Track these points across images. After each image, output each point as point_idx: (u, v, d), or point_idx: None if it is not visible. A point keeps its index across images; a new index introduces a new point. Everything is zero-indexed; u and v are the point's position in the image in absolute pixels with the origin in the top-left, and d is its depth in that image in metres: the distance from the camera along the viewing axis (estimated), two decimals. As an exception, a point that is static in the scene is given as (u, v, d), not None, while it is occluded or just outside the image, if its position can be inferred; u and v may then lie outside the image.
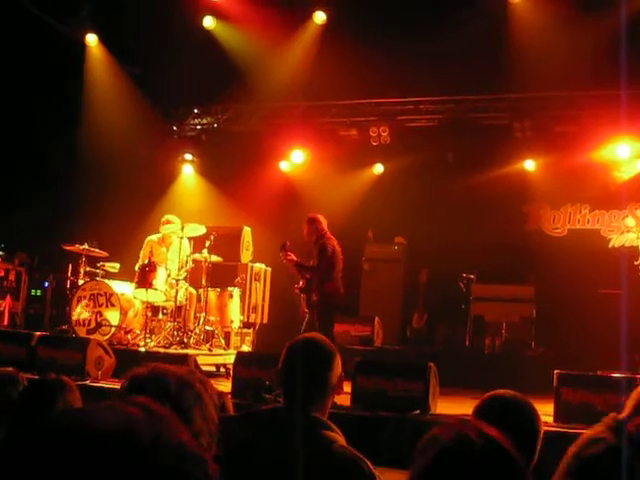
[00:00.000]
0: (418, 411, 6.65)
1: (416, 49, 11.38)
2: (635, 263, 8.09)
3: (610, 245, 12.59)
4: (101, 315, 9.94)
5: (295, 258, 9.44)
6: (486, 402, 2.83)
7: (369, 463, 2.53)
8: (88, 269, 10.48)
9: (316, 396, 2.72)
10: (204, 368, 9.51)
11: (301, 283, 9.43)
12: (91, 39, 12.81)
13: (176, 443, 0.95)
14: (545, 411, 6.68)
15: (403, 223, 13.15)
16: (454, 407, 7.29)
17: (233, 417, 2.95)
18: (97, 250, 10.53)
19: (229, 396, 3.76)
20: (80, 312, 10.02)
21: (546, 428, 6.10)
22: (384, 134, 12.94)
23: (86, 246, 10.31)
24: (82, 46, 12.78)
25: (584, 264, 11.45)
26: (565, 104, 12.01)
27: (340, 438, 2.61)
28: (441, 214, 12.48)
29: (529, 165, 12.78)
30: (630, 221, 8.68)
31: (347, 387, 7.25)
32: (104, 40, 12.86)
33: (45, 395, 3.05)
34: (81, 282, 10.29)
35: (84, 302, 10.04)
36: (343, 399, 7.06)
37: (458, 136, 12.61)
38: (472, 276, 11.95)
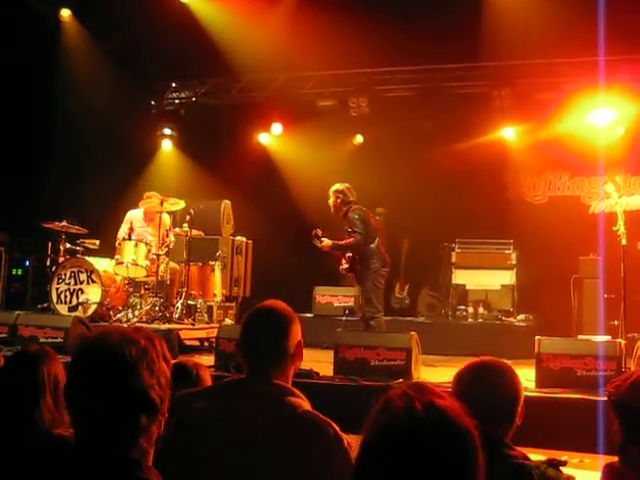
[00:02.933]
0: (401, 380, 6.67)
1: (394, 18, 11.30)
2: (614, 229, 8.13)
3: (590, 211, 12.66)
4: (82, 292, 9.89)
5: (329, 243, 8.96)
6: (467, 369, 2.84)
7: (335, 426, 2.54)
8: (68, 246, 10.41)
9: (275, 364, 2.73)
10: (187, 342, 9.54)
11: (344, 263, 9.00)
12: (65, 14, 12.61)
13: None
14: (527, 377, 6.75)
15: (384, 193, 13.13)
16: (437, 375, 7.34)
17: (199, 391, 2.97)
18: (77, 227, 10.46)
19: (207, 368, 3.76)
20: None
21: (528, 393, 6.18)
22: (363, 105, 12.91)
23: (65, 223, 10.23)
24: (56, 21, 12.58)
25: (564, 231, 11.51)
26: (544, 71, 11.99)
27: (305, 403, 2.62)
28: (421, 184, 12.49)
29: (508, 133, 12.82)
30: (609, 187, 8.69)
31: (329, 357, 7.29)
32: (78, 14, 12.67)
33: (28, 364, 3.09)
34: (61, 259, 10.23)
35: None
36: (326, 369, 7.10)
37: (437, 105, 12.59)
38: (453, 245, 11.99)
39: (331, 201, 9.09)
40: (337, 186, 9.13)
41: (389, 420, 1.49)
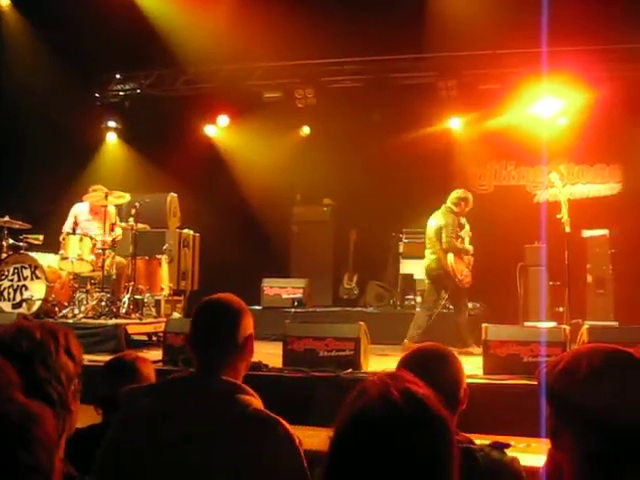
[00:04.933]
0: (350, 370, 6.68)
1: (340, 8, 11.29)
2: (557, 217, 8.26)
3: (535, 200, 12.83)
4: (26, 288, 9.70)
5: None
6: (410, 355, 2.86)
7: (286, 424, 2.49)
8: (11, 242, 10.18)
9: (224, 359, 2.66)
10: (135, 337, 9.43)
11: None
12: (4, 3, 12.31)
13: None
14: (475, 364, 6.82)
15: (331, 184, 13.16)
16: (385, 364, 7.34)
17: (145, 387, 2.90)
18: (19, 222, 10.24)
19: (149, 362, 3.67)
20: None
21: (476, 380, 6.23)
22: (310, 96, 12.90)
23: (7, 218, 10.01)
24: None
25: (510, 220, 11.64)
26: (489, 62, 12.08)
27: (256, 401, 2.55)
28: (369, 174, 12.53)
29: (455, 124, 12.89)
30: (554, 176, 8.84)
31: (278, 349, 7.26)
32: (18, 4, 12.39)
33: None
34: (4, 256, 10.01)
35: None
36: (275, 361, 7.07)
37: (384, 96, 12.62)
38: (400, 235, 12.05)
39: (468, 208, 9.83)
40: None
41: (365, 407, 1.45)
